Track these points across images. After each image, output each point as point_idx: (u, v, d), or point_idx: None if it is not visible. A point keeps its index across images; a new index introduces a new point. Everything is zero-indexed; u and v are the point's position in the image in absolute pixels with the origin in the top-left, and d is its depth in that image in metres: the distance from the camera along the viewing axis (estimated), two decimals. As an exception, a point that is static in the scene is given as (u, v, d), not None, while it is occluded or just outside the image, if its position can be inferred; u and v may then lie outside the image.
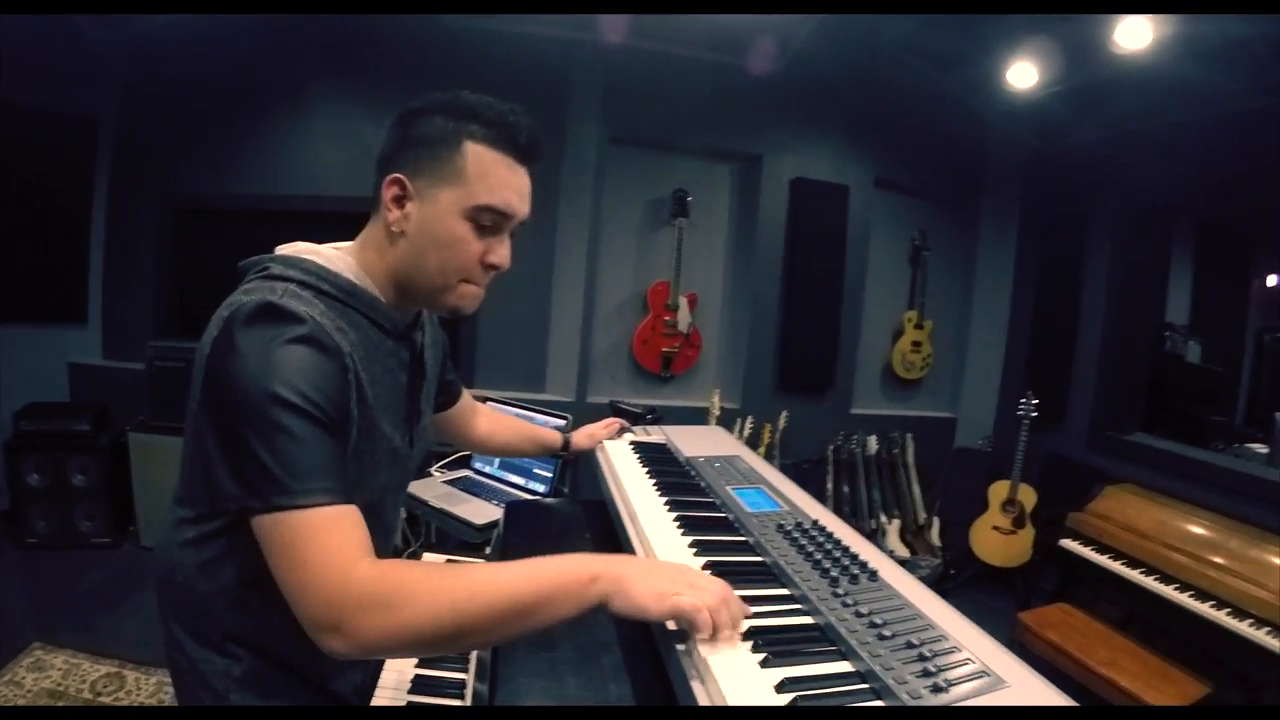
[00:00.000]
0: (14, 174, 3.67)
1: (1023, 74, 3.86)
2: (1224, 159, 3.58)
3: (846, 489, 4.50)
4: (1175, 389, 4.74)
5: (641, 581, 0.84)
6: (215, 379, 0.88)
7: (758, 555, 1.11)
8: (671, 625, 0.86)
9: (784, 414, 4.38)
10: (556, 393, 4.31)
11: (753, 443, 4.17)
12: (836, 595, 0.96)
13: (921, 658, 0.82)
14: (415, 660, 1.39)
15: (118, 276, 4.01)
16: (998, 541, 3.99)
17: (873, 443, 4.63)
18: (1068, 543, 3.24)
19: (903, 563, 1.11)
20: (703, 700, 0.77)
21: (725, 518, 1.29)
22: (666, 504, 1.33)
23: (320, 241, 1.06)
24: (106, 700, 2.53)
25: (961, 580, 4.10)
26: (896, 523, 4.45)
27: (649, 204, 4.44)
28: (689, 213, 4.31)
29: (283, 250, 1.03)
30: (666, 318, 4.38)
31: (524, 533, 1.54)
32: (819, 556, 1.08)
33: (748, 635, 0.85)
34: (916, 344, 4.90)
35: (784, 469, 1.63)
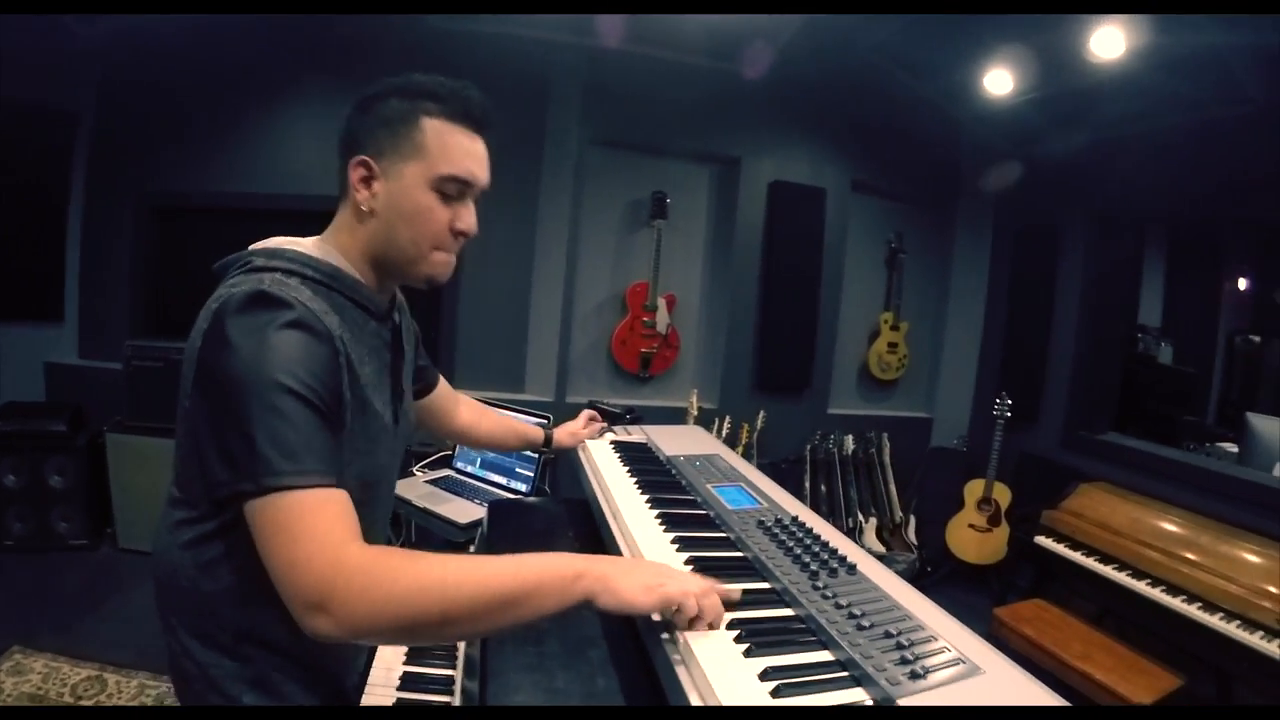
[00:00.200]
0: (-10, 169, 3.63)
1: (999, 81, 3.91)
2: (1196, 165, 3.65)
3: (824, 488, 4.54)
4: (1147, 390, 4.84)
5: (627, 578, 0.86)
6: (208, 370, 0.89)
7: (739, 551, 1.14)
8: (657, 616, 0.88)
9: (761, 414, 4.41)
10: (536, 393, 4.31)
11: (731, 442, 4.19)
12: (816, 588, 0.99)
13: (899, 646, 0.84)
14: (404, 657, 1.39)
15: (95, 275, 3.96)
16: (973, 539, 4.05)
17: (849, 442, 4.67)
18: (1042, 540, 3.29)
19: (879, 559, 1.13)
20: (689, 688, 0.78)
21: (706, 515, 1.31)
22: (648, 501, 1.35)
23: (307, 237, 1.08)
24: (88, 704, 2.50)
25: (938, 577, 4.15)
26: (873, 521, 4.50)
27: (628, 205, 4.46)
28: (668, 214, 4.33)
29: (260, 245, 1.05)
30: (645, 318, 4.40)
31: (507, 531, 1.55)
32: (799, 551, 1.10)
33: (731, 626, 0.88)
34: (892, 345, 4.95)
35: (762, 469, 1.66)
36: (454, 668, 1.37)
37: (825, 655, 0.85)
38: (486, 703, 0.92)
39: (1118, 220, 4.19)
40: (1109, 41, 3.25)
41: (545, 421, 2.18)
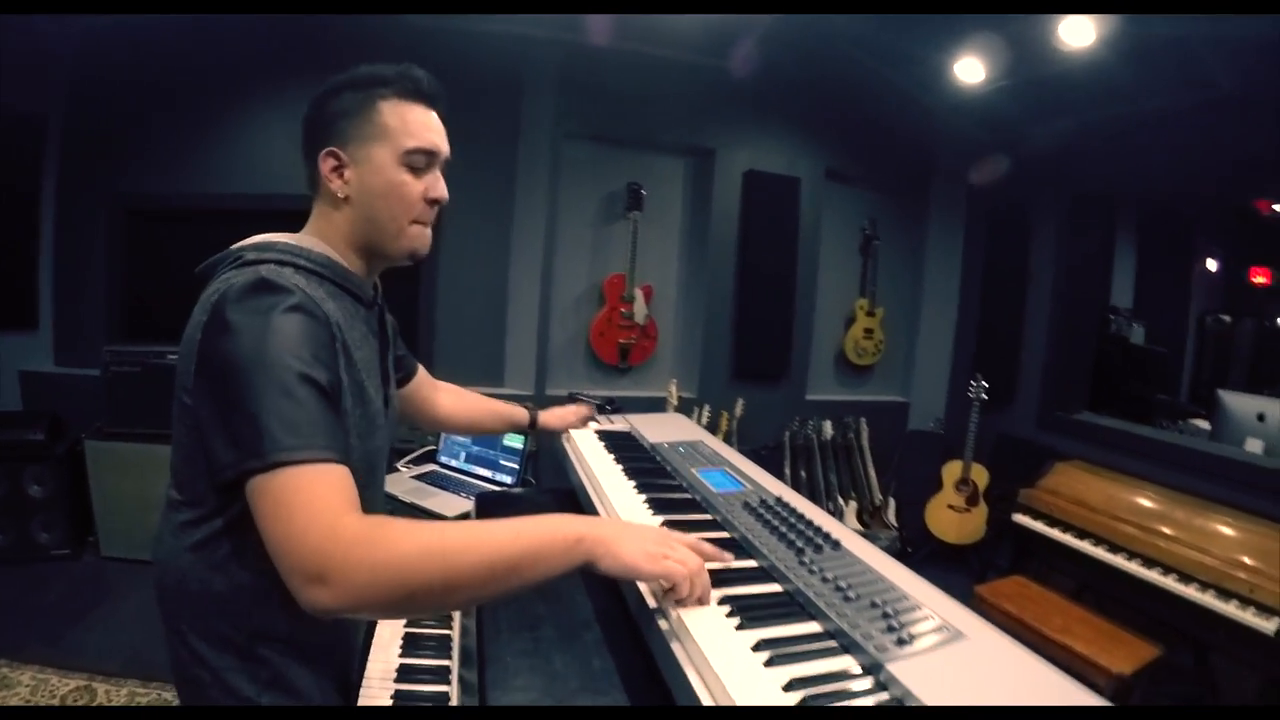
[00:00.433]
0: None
1: (970, 69, 3.96)
2: (1165, 150, 3.72)
3: (804, 473, 4.58)
4: (1120, 370, 4.93)
5: (631, 543, 0.88)
6: (210, 358, 0.90)
7: (726, 531, 1.16)
8: (660, 585, 0.90)
9: (740, 402, 4.45)
10: (515, 386, 4.32)
11: (711, 431, 4.22)
12: (803, 564, 1.01)
13: (885, 615, 0.87)
14: (400, 649, 1.40)
15: (69, 280, 3.89)
16: (952, 519, 4.11)
17: (828, 428, 4.71)
18: (1020, 518, 3.35)
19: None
20: (685, 664, 0.80)
21: (692, 498, 1.33)
22: (635, 487, 1.37)
23: None
24: (81, 713, 2.49)
25: (918, 558, 4.20)
26: (853, 504, 4.55)
27: (604, 198, 4.47)
28: (643, 206, 4.35)
29: (247, 242, 1.07)
30: (623, 309, 4.42)
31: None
32: (784, 530, 1.13)
33: (723, 602, 0.90)
34: (868, 331, 4.99)
35: (742, 455, 1.68)
36: (449, 657, 1.38)
37: (814, 626, 0.87)
38: (486, 688, 0.93)
39: (1089, 204, 4.27)
40: (1078, 30, 3.30)
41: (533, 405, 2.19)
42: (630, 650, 1.02)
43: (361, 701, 1.23)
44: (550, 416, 1.82)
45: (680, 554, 0.89)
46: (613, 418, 1.98)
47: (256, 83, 3.89)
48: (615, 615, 1.12)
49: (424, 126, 1.10)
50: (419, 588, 0.79)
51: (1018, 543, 3.49)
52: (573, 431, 1.81)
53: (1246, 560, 2.59)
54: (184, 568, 0.99)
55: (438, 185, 1.12)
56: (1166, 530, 2.86)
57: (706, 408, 4.40)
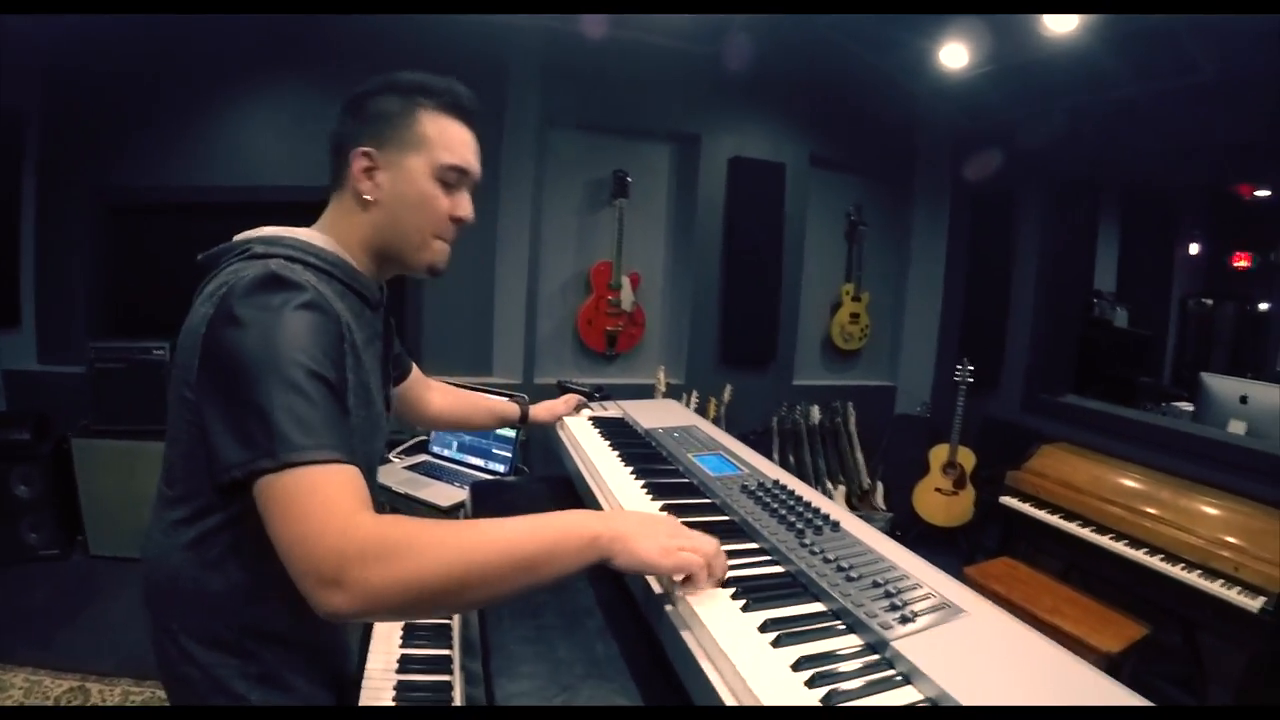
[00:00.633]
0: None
1: (954, 55, 3.97)
2: (1148, 134, 3.75)
3: (792, 458, 4.61)
4: (1104, 353, 4.98)
5: (645, 539, 0.86)
6: (216, 352, 0.87)
7: (725, 515, 1.16)
8: (677, 578, 0.89)
9: (728, 388, 4.46)
10: (503, 375, 4.32)
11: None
12: (804, 545, 1.02)
13: (887, 594, 0.88)
14: (400, 640, 1.40)
15: (51, 277, 3.83)
16: (940, 502, 4.14)
17: (815, 412, 4.73)
18: (1008, 500, 3.38)
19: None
20: (694, 647, 0.81)
21: (690, 482, 1.34)
22: (633, 473, 1.37)
23: None
24: (77, 716, 2.48)
25: (907, 541, 4.20)
26: (842, 488, 4.58)
27: (589, 185, 4.46)
28: (629, 193, 4.34)
29: (252, 234, 1.04)
30: (610, 297, 4.42)
31: (492, 512, 1.56)
32: (783, 512, 1.14)
33: (726, 584, 0.90)
34: (854, 316, 5.02)
35: (737, 440, 1.69)
36: (450, 646, 1.38)
37: (818, 606, 0.88)
38: (491, 677, 0.93)
39: (1073, 189, 4.29)
40: (1062, 16, 3.31)
41: (523, 398, 2.20)
42: (634, 635, 1.03)
43: (365, 692, 1.23)
44: (540, 410, 1.82)
45: (694, 542, 0.89)
46: (605, 404, 1.98)
47: (237, 75, 3.84)
48: (616, 601, 1.13)
49: (463, 144, 1.10)
50: (435, 589, 0.77)
51: (1005, 525, 3.52)
52: (566, 419, 1.81)
53: (1232, 540, 2.63)
54: (175, 565, 0.97)
55: (466, 205, 1.12)
56: (1153, 511, 2.90)
57: (695, 394, 4.41)
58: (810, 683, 0.71)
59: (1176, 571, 2.67)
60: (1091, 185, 4.43)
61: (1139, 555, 2.80)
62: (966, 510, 4.09)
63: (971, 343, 4.62)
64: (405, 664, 1.32)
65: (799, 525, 1.08)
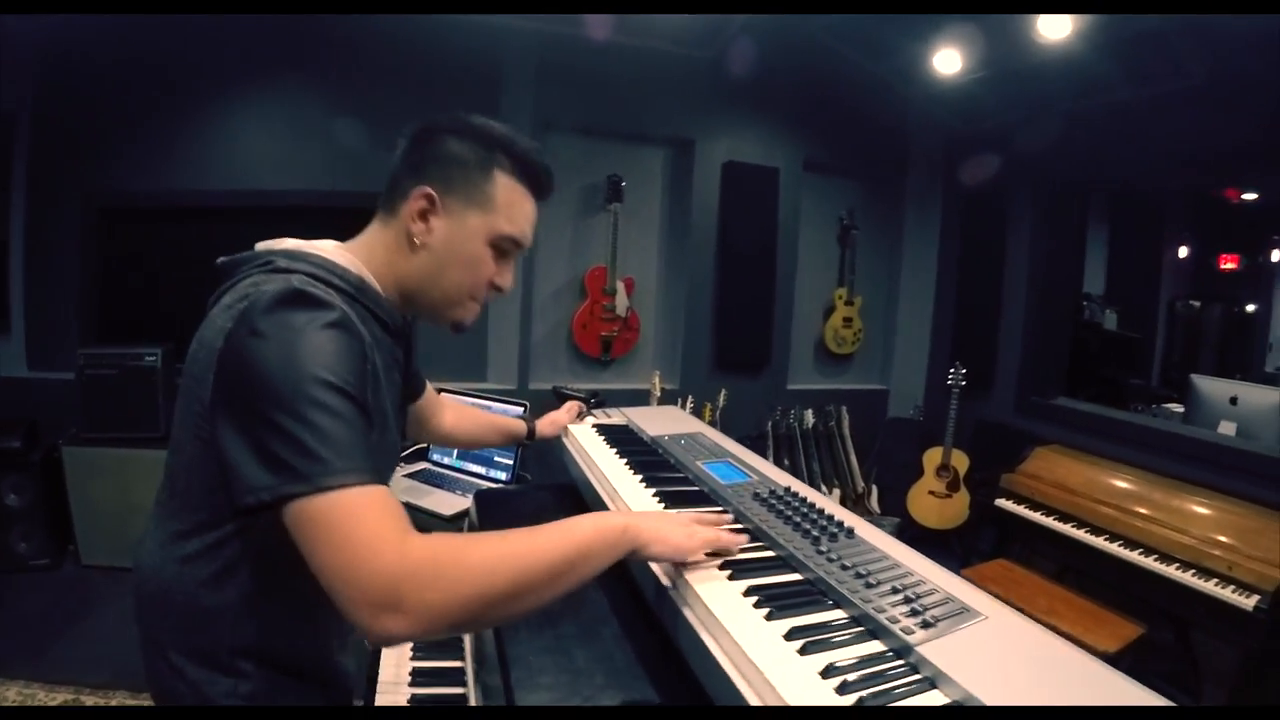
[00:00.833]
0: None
1: (948, 60, 4.00)
2: (1138, 139, 3.78)
3: (787, 462, 4.63)
4: (1095, 355, 5.03)
5: (669, 529, 0.95)
6: (237, 369, 0.84)
7: (740, 523, 1.17)
8: (700, 556, 0.98)
9: (723, 392, 4.48)
10: (498, 381, 4.32)
11: (695, 422, 4.25)
12: (820, 552, 1.03)
13: (907, 600, 0.89)
14: (411, 653, 1.39)
15: (41, 282, 3.78)
16: (934, 505, 4.17)
17: (809, 416, 4.76)
18: (1003, 502, 3.41)
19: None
20: (719, 655, 0.82)
21: (701, 490, 1.35)
22: (642, 481, 1.38)
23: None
24: (68, 728, 2.46)
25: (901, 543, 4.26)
26: (837, 492, 4.61)
27: (583, 190, 4.46)
28: (623, 198, 4.35)
29: (275, 245, 1.01)
30: (604, 302, 4.42)
31: (498, 520, 1.57)
32: (797, 519, 1.14)
33: (749, 592, 0.91)
34: (847, 320, 5.04)
35: (742, 446, 1.70)
36: (462, 659, 1.38)
37: (839, 614, 0.89)
38: (513, 690, 0.93)
39: (1063, 193, 4.33)
40: (1055, 22, 3.35)
41: (524, 411, 2.20)
42: (652, 642, 1.04)
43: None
44: (545, 424, 1.81)
45: (705, 523, 1.00)
46: (609, 411, 1.99)
47: (231, 77, 3.81)
48: (631, 609, 1.14)
49: (526, 217, 1.08)
50: (491, 602, 0.79)
51: (1000, 527, 3.56)
52: (571, 427, 1.81)
53: (1225, 539, 2.67)
54: (169, 579, 0.94)
55: (507, 275, 1.10)
56: (1146, 512, 2.94)
57: (690, 398, 4.42)
58: (841, 689, 0.72)
59: (1171, 571, 2.70)
60: (1081, 189, 4.46)
61: (1134, 556, 2.83)
62: (960, 513, 4.11)
63: (964, 346, 4.65)
64: (418, 677, 1.31)
65: (814, 532, 1.09)
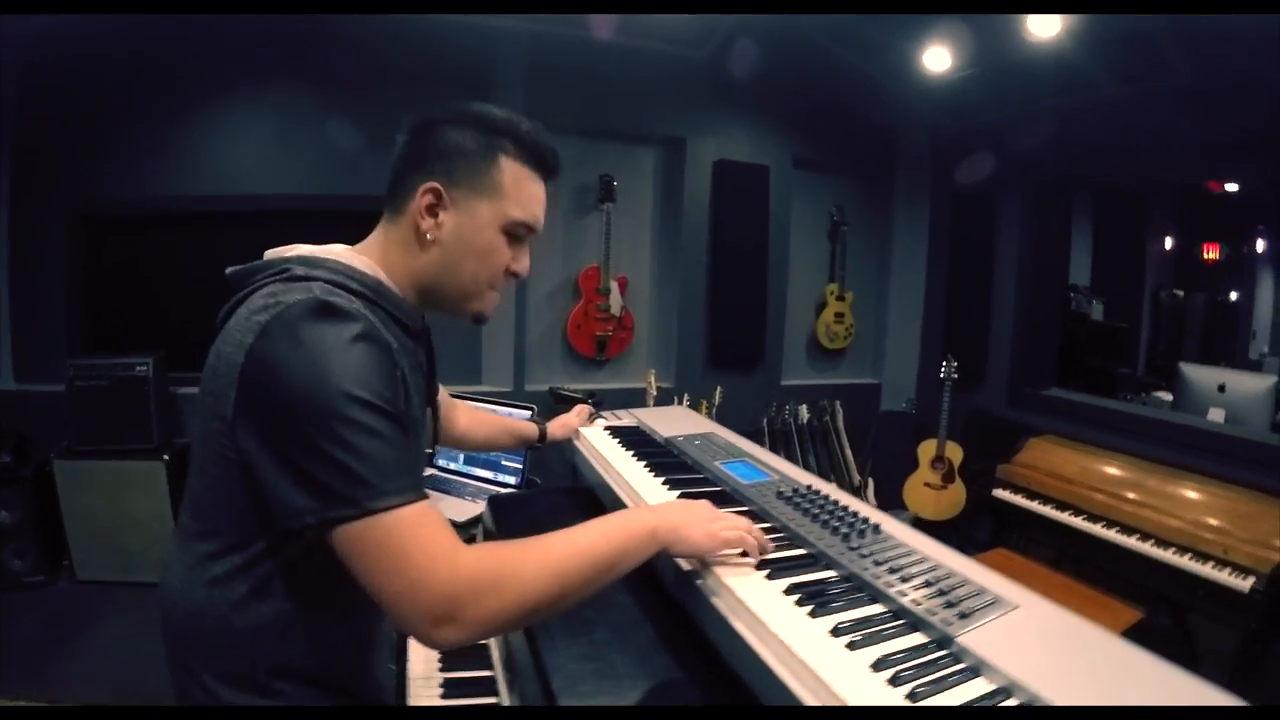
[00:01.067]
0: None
1: (937, 58, 4.04)
2: (1125, 133, 3.82)
3: (783, 457, 4.66)
4: (1083, 345, 5.09)
5: (693, 527, 0.99)
6: (265, 386, 0.83)
7: (767, 522, 1.18)
8: (726, 552, 1.01)
9: (718, 390, 4.50)
10: (494, 383, 4.31)
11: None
12: (851, 549, 1.05)
13: (941, 592, 0.92)
14: (440, 665, 1.39)
15: (27, 292, 3.70)
16: (930, 497, 4.21)
17: (804, 412, 4.81)
18: (1000, 492, 3.46)
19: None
20: (767, 657, 0.84)
21: (723, 490, 1.37)
22: (664, 483, 1.40)
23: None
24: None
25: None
26: (833, 485, 4.63)
27: (575, 190, 4.46)
28: (615, 197, 4.36)
29: (286, 252, 0.99)
30: (598, 302, 4.43)
31: (514, 525, 1.58)
32: (825, 517, 1.17)
33: (789, 591, 0.93)
34: (839, 315, 5.08)
35: (758, 445, 1.71)
36: (491, 668, 1.37)
37: (878, 608, 0.91)
38: (555, 698, 0.95)
39: (1050, 187, 4.38)
40: (1045, 20, 3.39)
41: (532, 414, 2.20)
42: (686, 644, 1.05)
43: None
44: (556, 427, 1.82)
45: (728, 520, 1.02)
46: (618, 413, 1.99)
47: (219, 79, 3.74)
48: (661, 611, 1.15)
49: (537, 201, 1.06)
50: (539, 606, 0.85)
51: (996, 517, 3.60)
52: (582, 430, 1.82)
53: (1219, 524, 2.73)
54: (199, 602, 0.92)
55: (524, 259, 1.08)
56: (1142, 498, 2.99)
57: (686, 396, 4.44)
58: (894, 681, 0.74)
59: (1168, 556, 2.76)
60: (1068, 183, 4.52)
61: (1131, 541, 2.88)
62: (956, 503, 4.16)
63: (954, 339, 4.70)
64: (449, 689, 1.31)
65: (842, 530, 1.11)
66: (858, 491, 4.63)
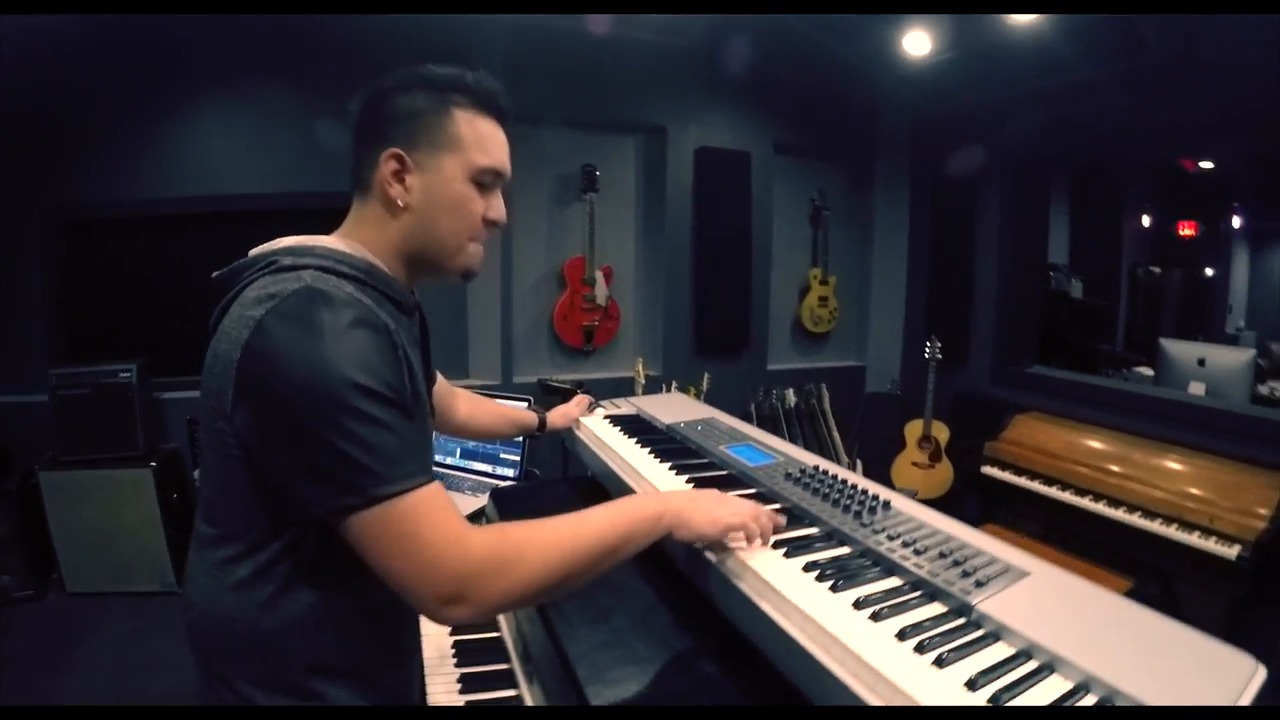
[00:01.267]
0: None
1: (917, 42, 4.07)
2: (1101, 113, 3.86)
3: (772, 442, 4.70)
4: (1064, 323, 5.16)
5: (698, 512, 1.01)
6: (264, 380, 0.82)
7: (778, 502, 1.20)
8: (730, 539, 1.02)
9: (706, 376, 4.52)
10: (481, 376, 4.30)
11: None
12: (864, 525, 1.07)
13: (956, 563, 0.95)
14: (454, 659, 1.39)
15: (4, 300, 3.61)
16: (918, 475, 4.27)
17: (791, 395, 4.84)
18: (988, 469, 3.52)
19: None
20: (793, 631, 0.86)
21: (731, 474, 1.39)
22: (671, 469, 1.41)
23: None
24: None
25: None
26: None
27: (558, 180, 4.46)
28: (598, 187, 4.36)
29: (272, 246, 0.98)
30: (584, 292, 4.43)
31: (519, 516, 1.56)
32: (835, 496, 1.19)
33: (809, 568, 0.95)
34: (823, 299, 5.12)
35: (760, 429, 1.73)
36: (508, 661, 1.38)
37: (895, 580, 0.94)
38: (583, 688, 0.96)
39: (1029, 168, 4.43)
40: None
41: (530, 403, 2.20)
42: (705, 626, 1.06)
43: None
44: (556, 416, 1.83)
45: (733, 505, 1.04)
46: (617, 401, 2.01)
47: (197, 79, 3.67)
48: (677, 594, 1.16)
49: (498, 144, 1.05)
50: (546, 585, 0.87)
51: (984, 494, 3.65)
52: (583, 419, 1.83)
53: (1203, 494, 2.79)
54: (228, 609, 0.91)
55: (499, 206, 1.07)
56: (1128, 471, 3.05)
57: (674, 384, 4.46)
58: (919, 649, 0.76)
59: (1155, 526, 2.82)
60: (1047, 164, 4.56)
61: (1118, 513, 2.95)
62: (944, 482, 4.21)
63: (937, 320, 4.75)
64: (467, 683, 1.31)
65: (854, 508, 1.13)
66: (847, 473, 4.67)
